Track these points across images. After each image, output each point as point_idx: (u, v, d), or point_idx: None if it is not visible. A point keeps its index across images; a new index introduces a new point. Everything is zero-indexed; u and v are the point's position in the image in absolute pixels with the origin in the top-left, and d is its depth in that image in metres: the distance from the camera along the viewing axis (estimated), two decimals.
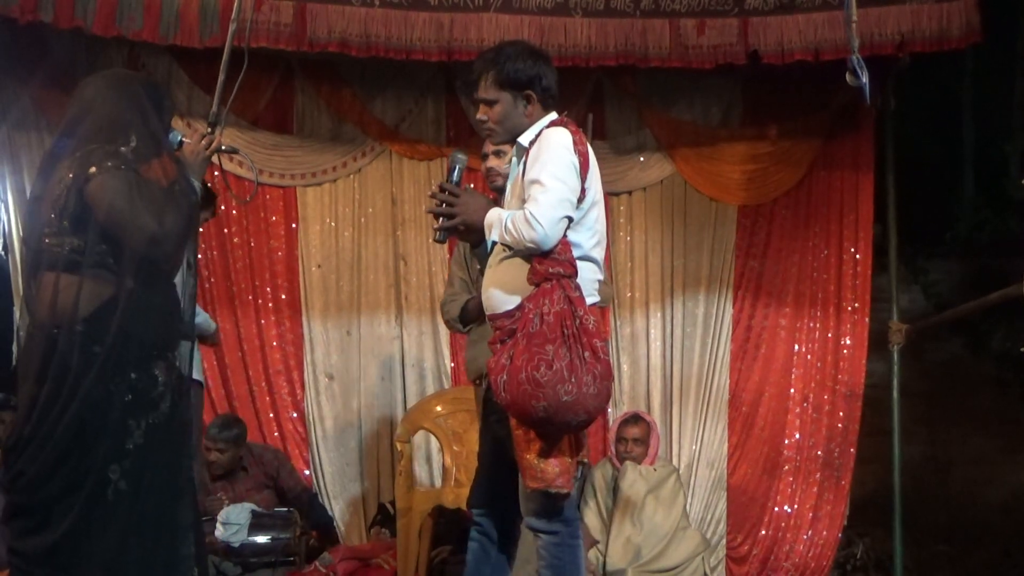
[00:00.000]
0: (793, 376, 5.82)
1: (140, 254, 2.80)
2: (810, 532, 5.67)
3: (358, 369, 5.73)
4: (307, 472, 5.60)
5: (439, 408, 5.21)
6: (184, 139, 3.14)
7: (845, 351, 5.79)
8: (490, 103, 3.09)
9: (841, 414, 5.74)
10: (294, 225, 5.75)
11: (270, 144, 5.67)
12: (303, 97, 5.74)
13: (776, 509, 5.72)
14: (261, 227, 5.72)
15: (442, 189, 3.11)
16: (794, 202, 5.88)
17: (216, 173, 4.97)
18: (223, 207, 5.45)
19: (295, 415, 5.69)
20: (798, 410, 5.78)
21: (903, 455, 5.66)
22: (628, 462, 5.15)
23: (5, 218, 5.29)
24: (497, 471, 3.18)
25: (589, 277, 3.01)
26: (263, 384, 5.65)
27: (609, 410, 5.42)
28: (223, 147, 3.21)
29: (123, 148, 2.86)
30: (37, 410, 2.75)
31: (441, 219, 3.10)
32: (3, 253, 5.29)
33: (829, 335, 5.81)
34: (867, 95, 3.32)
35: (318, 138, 5.75)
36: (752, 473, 5.76)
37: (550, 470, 2.90)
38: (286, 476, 5.21)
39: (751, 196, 5.85)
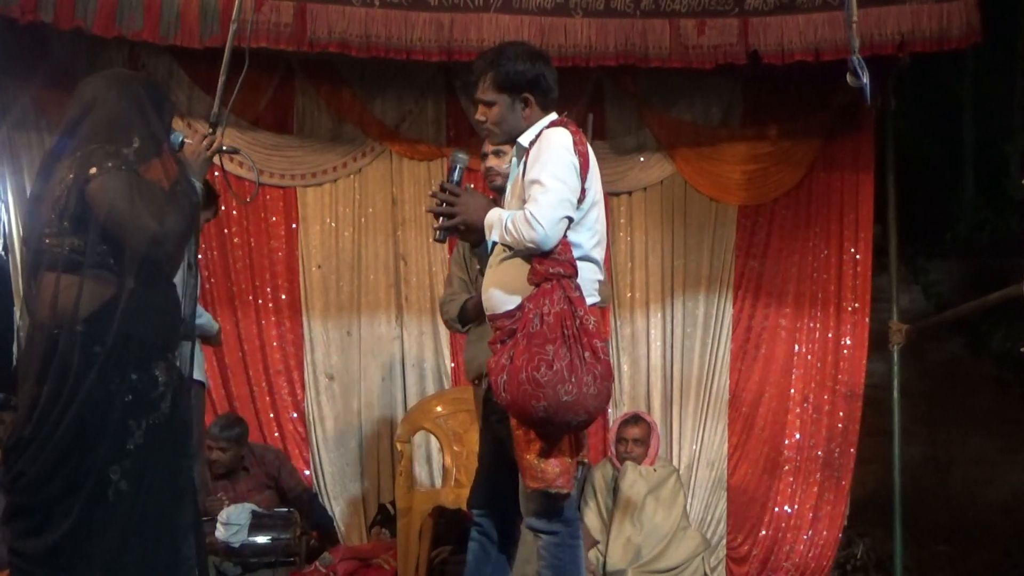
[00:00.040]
0: (793, 376, 5.81)
1: (141, 254, 2.80)
2: (810, 532, 5.67)
3: (358, 369, 5.73)
4: (307, 472, 5.60)
5: (439, 408, 5.20)
6: (186, 140, 3.14)
7: (845, 351, 5.79)
8: (488, 104, 3.10)
9: (841, 414, 5.73)
10: (294, 225, 5.75)
11: (270, 144, 5.67)
12: (303, 97, 5.74)
13: (776, 509, 5.72)
14: (261, 227, 5.72)
15: (442, 189, 3.12)
16: (794, 202, 5.88)
17: (217, 173, 4.97)
18: (223, 207, 5.45)
19: (295, 415, 5.69)
20: (798, 410, 5.78)
21: (903, 455, 5.66)
22: (628, 462, 5.15)
23: (5, 218, 5.28)
24: (497, 471, 3.18)
25: (589, 277, 3.01)
26: (263, 384, 5.65)
27: (609, 410, 5.42)
28: (224, 147, 3.21)
29: (124, 148, 2.85)
30: (37, 410, 2.75)
31: (441, 219, 3.11)
32: (3, 253, 5.29)
33: (829, 335, 5.81)
34: (867, 95, 3.31)
35: (318, 138, 5.75)
36: (752, 473, 5.76)
37: (550, 470, 2.90)
38: (287, 476, 5.22)
39: (751, 196, 5.85)
